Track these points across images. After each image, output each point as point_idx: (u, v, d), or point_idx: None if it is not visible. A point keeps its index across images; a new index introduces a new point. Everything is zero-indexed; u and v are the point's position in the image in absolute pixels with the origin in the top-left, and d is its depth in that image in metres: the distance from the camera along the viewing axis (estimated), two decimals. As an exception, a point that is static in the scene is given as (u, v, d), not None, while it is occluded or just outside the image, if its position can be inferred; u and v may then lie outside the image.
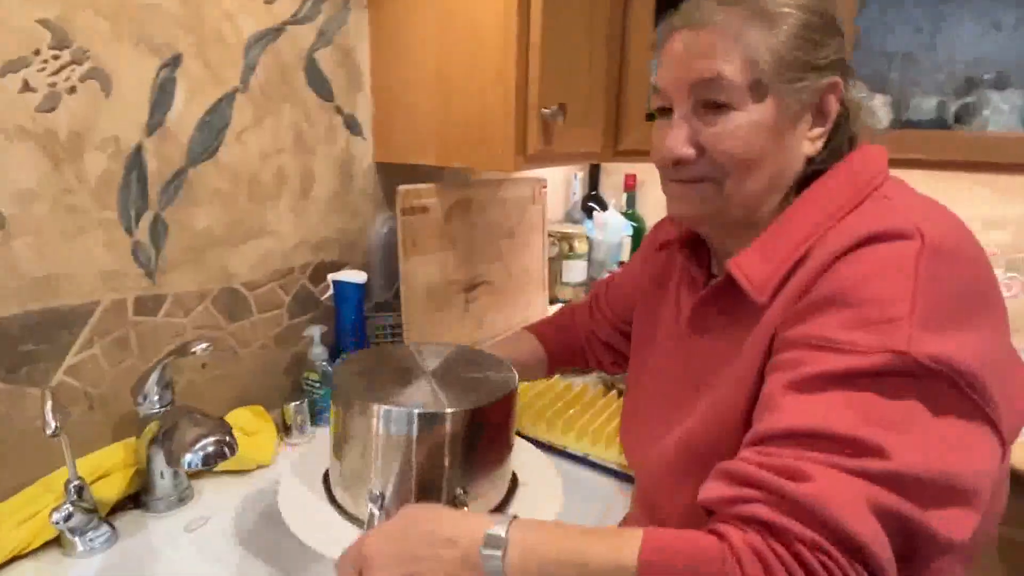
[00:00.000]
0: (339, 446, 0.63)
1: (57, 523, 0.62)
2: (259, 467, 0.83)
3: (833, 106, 0.54)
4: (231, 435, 0.58)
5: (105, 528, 0.68)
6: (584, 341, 0.86)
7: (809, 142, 0.55)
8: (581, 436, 0.88)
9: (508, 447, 0.65)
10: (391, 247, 1.03)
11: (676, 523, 0.55)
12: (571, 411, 0.94)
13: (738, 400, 0.53)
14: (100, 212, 0.71)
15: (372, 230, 1.05)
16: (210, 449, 0.57)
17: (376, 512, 0.58)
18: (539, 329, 0.88)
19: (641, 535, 0.45)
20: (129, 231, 0.74)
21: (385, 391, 0.60)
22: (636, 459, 0.68)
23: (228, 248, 0.84)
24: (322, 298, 0.96)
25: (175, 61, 0.75)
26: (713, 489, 0.47)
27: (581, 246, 1.48)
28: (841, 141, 0.56)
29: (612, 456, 0.85)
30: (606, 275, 1.47)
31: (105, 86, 0.69)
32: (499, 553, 0.47)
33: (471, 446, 0.59)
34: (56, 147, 0.66)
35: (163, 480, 0.71)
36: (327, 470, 0.67)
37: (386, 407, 0.58)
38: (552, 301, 1.46)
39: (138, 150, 0.73)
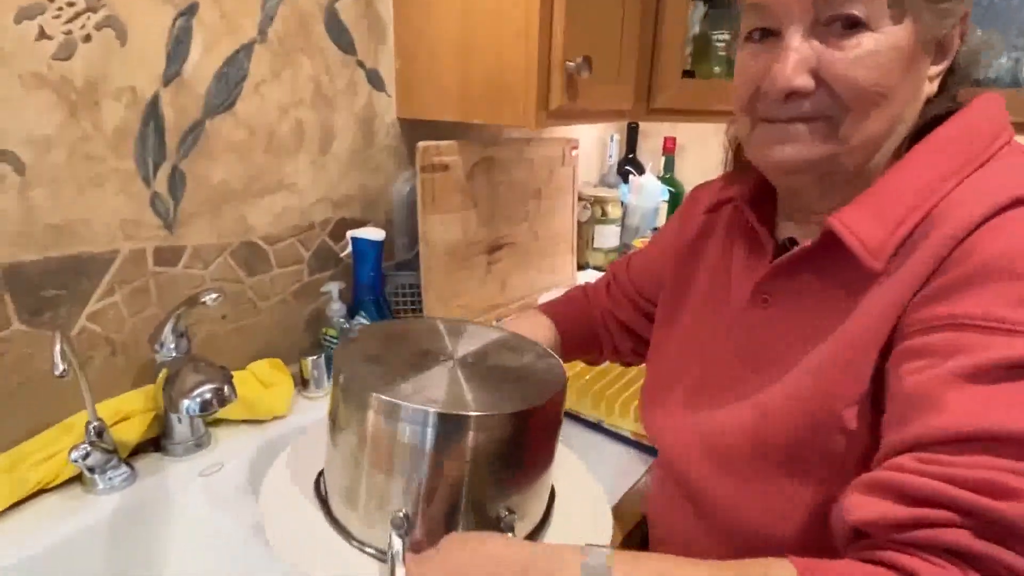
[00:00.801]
0: (343, 450, 0.50)
1: (76, 461, 0.65)
2: (275, 418, 0.84)
3: (955, 42, 0.47)
4: (230, 384, 0.59)
5: (124, 468, 0.70)
6: (600, 325, 0.79)
7: (928, 81, 0.48)
8: (597, 403, 0.86)
9: (553, 452, 0.53)
10: (414, 206, 1.02)
11: (741, 520, 0.52)
12: (586, 377, 0.92)
13: (841, 386, 0.46)
14: (118, 162, 0.71)
15: (395, 188, 1.04)
16: (207, 396, 0.57)
17: (400, 543, 0.46)
18: (551, 309, 0.79)
19: (792, 571, 0.39)
20: (147, 182, 0.74)
21: (410, 383, 0.47)
22: (668, 440, 0.61)
23: (247, 202, 0.85)
24: (341, 255, 0.96)
25: (191, 10, 0.74)
26: (872, 507, 0.40)
27: (615, 211, 1.44)
28: (955, 86, 0.49)
29: (627, 424, 0.83)
30: (639, 244, 1.43)
31: (120, 35, 0.69)
32: None
33: (519, 454, 0.48)
34: (72, 95, 0.67)
35: (180, 425, 0.73)
36: (320, 475, 0.55)
37: (423, 408, 0.44)
38: (581, 267, 1.44)
39: (154, 101, 0.73)
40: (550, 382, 0.51)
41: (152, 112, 0.73)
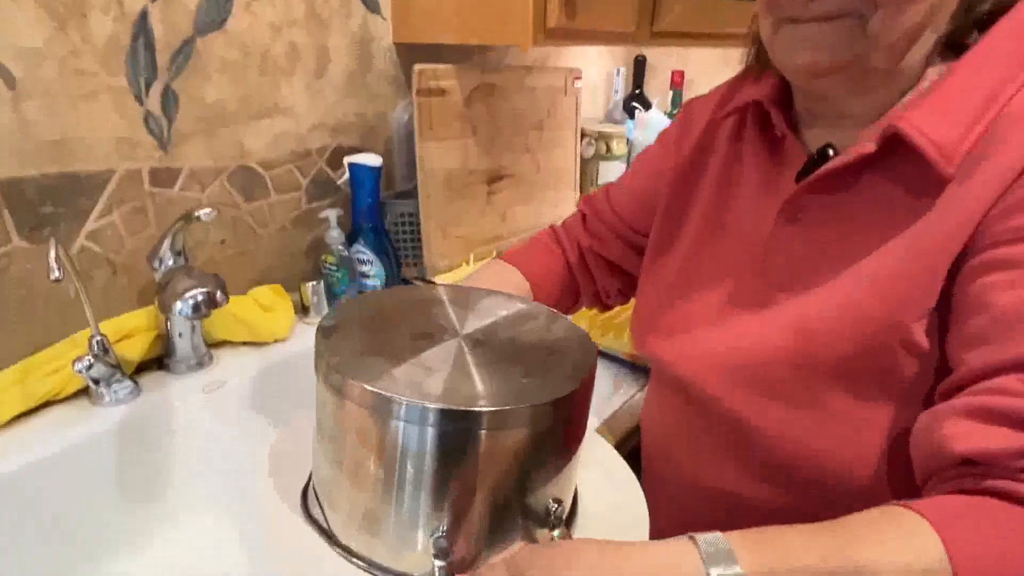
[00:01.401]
0: (345, 465, 0.40)
1: (80, 372, 0.67)
2: (277, 341, 0.86)
3: None
4: (223, 291, 0.60)
5: (129, 383, 0.72)
6: (578, 268, 0.73)
7: None
8: (591, 326, 0.86)
9: (585, 428, 0.46)
10: (413, 135, 1.01)
11: (791, 448, 0.49)
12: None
13: (908, 300, 0.43)
14: (109, 78, 0.71)
15: (393, 117, 1.03)
16: (199, 298, 0.58)
17: (441, 567, 0.38)
18: (517, 257, 0.71)
19: (930, 529, 0.36)
20: (139, 99, 0.74)
21: (426, 379, 0.38)
22: (685, 369, 0.57)
23: (242, 124, 0.84)
24: (339, 182, 0.96)
25: (177, -80, 0.72)
26: (987, 436, 0.37)
27: (620, 147, 1.41)
28: None
29: (621, 346, 0.84)
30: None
31: (105, -56, 0.68)
32: None
33: (558, 441, 0.41)
34: (60, 7, 0.66)
35: (182, 341, 0.75)
36: (307, 486, 0.46)
37: (454, 408, 0.36)
38: (587, 204, 1.42)
39: (144, 16, 0.72)
40: (582, 358, 0.43)
41: (142, 27, 0.72)
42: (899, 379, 0.46)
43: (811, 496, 0.51)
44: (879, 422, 0.47)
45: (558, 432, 0.40)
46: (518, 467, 0.38)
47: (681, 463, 0.61)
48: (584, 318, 0.87)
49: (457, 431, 0.36)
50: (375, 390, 0.36)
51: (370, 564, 0.41)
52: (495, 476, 0.38)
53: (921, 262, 0.44)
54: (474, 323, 0.45)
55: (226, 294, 0.61)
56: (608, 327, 0.85)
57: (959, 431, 0.39)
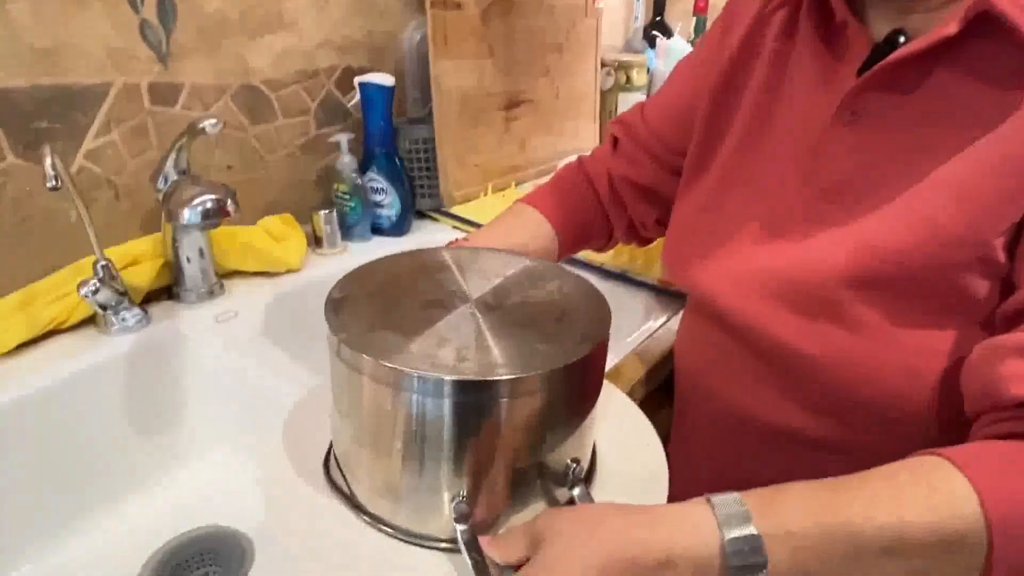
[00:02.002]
0: (363, 438, 0.40)
1: (86, 296, 0.63)
2: (289, 271, 0.82)
3: None
4: (233, 199, 0.56)
5: (138, 311, 0.69)
6: (609, 201, 0.67)
7: None
8: (619, 253, 0.82)
9: (600, 387, 0.44)
10: (426, 57, 0.94)
11: (845, 378, 0.45)
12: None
13: (992, 212, 0.40)
14: (100, -19, 0.65)
15: (404, 37, 0.96)
16: (208, 205, 0.54)
17: (463, 530, 0.38)
18: (539, 200, 0.66)
19: (967, 484, 0.33)
20: (134, 7, 0.68)
21: (433, 345, 0.37)
22: (724, 292, 0.52)
23: (244, 39, 0.78)
24: (349, 105, 0.91)
25: None
26: None
27: (640, 77, 1.34)
28: None
29: (651, 273, 0.79)
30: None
31: None
32: (761, 560, 0.33)
33: (575, 403, 0.40)
34: None
35: (191, 267, 0.71)
36: (328, 454, 0.46)
37: (462, 379, 0.35)
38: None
39: (134, -90, 0.66)
40: (596, 319, 0.41)
41: (132, -76, 0.66)
42: (968, 301, 0.42)
43: (857, 427, 0.48)
44: (941, 347, 0.43)
45: (575, 395, 0.39)
46: (536, 431, 0.38)
47: (718, 396, 0.57)
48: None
49: (475, 401, 0.36)
50: (392, 366, 0.35)
51: (395, 529, 0.40)
52: (513, 441, 0.38)
53: (1009, 169, 0.39)
54: (483, 286, 0.44)
55: (236, 204, 0.57)
56: (636, 253, 0.81)
57: (1017, 372, 0.36)
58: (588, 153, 0.72)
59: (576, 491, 0.41)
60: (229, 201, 0.56)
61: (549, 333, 0.39)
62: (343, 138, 0.85)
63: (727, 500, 0.35)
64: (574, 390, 0.38)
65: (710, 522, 0.35)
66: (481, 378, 0.35)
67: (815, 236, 0.47)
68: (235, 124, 0.81)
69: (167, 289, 0.75)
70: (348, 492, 0.42)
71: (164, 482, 0.71)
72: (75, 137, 0.68)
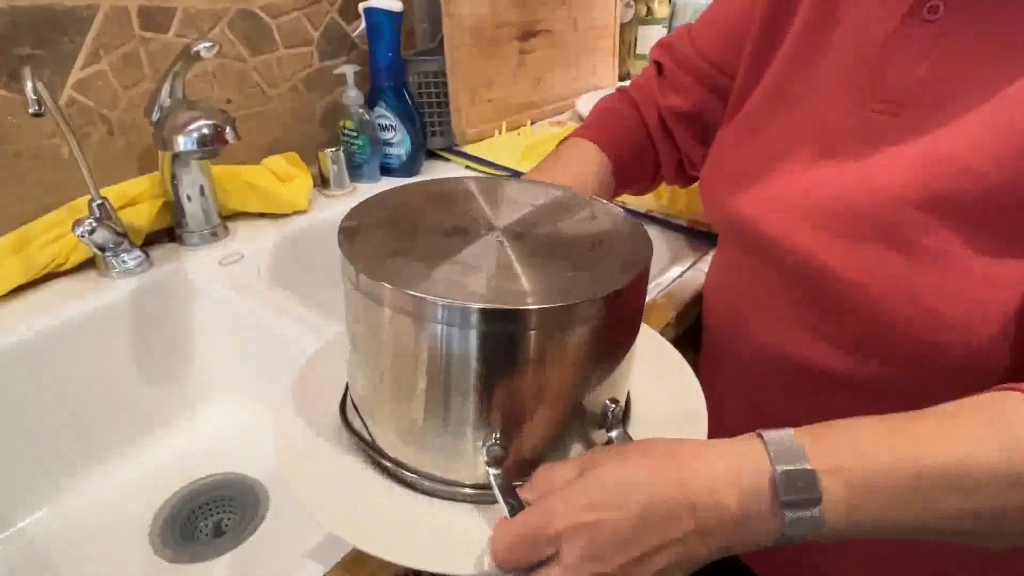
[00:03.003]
0: (379, 376, 0.37)
1: (82, 236, 0.60)
2: (295, 212, 0.78)
3: None
4: (233, 126, 0.51)
5: (138, 253, 0.66)
6: (656, 133, 0.61)
7: None
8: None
9: (640, 323, 0.40)
10: (434, -17, 0.88)
11: (903, 313, 0.41)
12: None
13: None
14: None
15: (412, -39, 0.90)
16: (205, 131, 0.50)
17: (497, 474, 0.35)
18: (593, 133, 0.60)
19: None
20: (118, -81, 0.63)
21: (460, 274, 0.33)
22: (770, 223, 0.48)
23: (240, -42, 0.72)
24: (354, 35, 0.85)
25: None
26: None
27: (662, 9, 1.26)
28: None
29: (680, 212, 0.75)
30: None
31: None
32: (815, 496, 0.31)
33: (612, 338, 0.36)
34: None
35: (192, 206, 0.67)
36: (345, 399, 0.43)
37: (495, 307, 0.31)
38: (622, 77, 1.29)
39: None
40: (635, 249, 0.37)
41: None
42: None
43: (902, 369, 0.44)
44: (1015, 279, 0.38)
45: (612, 329, 0.35)
46: (571, 368, 0.35)
47: (750, 334, 0.53)
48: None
49: (506, 333, 0.32)
50: (414, 294, 0.32)
51: (419, 475, 0.37)
52: (547, 379, 0.34)
53: None
54: (509, 215, 0.40)
55: (235, 131, 0.53)
56: (661, 191, 0.76)
57: None
58: (610, 89, 0.66)
59: (614, 433, 0.38)
60: (228, 128, 0.51)
61: (585, 262, 0.35)
62: (348, 70, 0.80)
63: (780, 436, 0.33)
64: (613, 322, 0.35)
65: (761, 456, 0.32)
66: (513, 307, 0.31)
67: (874, 155, 0.43)
68: (233, 55, 0.75)
69: (169, 231, 0.72)
70: (368, 438, 0.39)
71: (176, 428, 0.69)
72: (62, 66, 0.63)
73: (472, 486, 0.37)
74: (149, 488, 0.63)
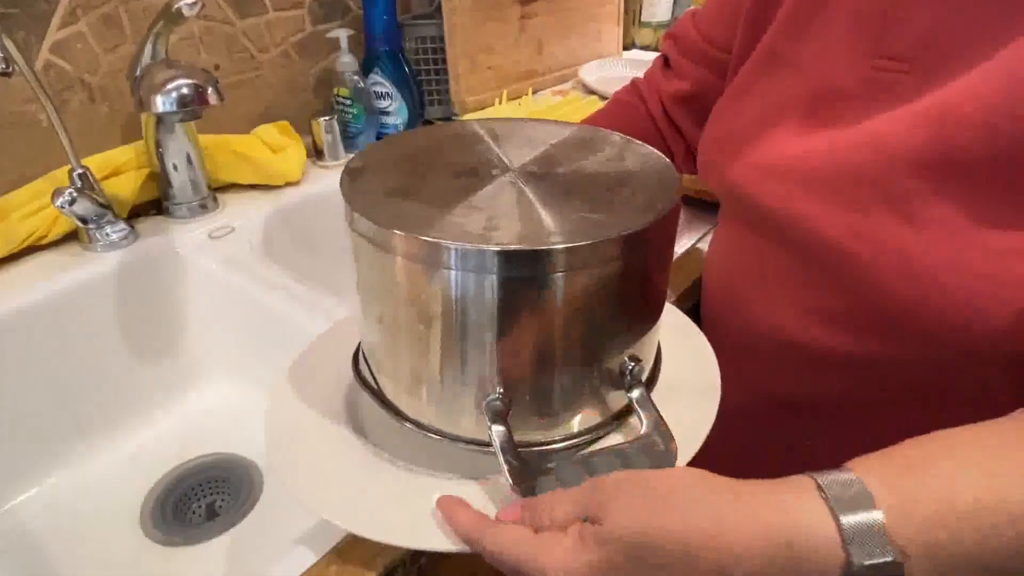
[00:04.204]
0: (388, 327, 0.35)
1: (62, 207, 0.57)
2: (288, 184, 0.75)
3: None
4: (216, 87, 0.48)
5: (123, 226, 0.63)
6: (662, 123, 0.61)
7: None
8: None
9: (668, 276, 0.38)
10: (431, -57, 0.84)
11: (867, 281, 0.39)
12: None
13: None
14: None
15: (407, -81, 0.85)
16: (185, 91, 0.47)
17: (500, 435, 0.33)
18: (598, 123, 0.59)
19: None
20: None
21: (470, 216, 0.31)
22: (756, 182, 0.46)
23: (225, -87, 0.68)
24: (348, -3, 0.81)
25: None
26: None
27: (667, -26, 1.21)
28: None
29: (685, 183, 0.72)
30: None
31: None
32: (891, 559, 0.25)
33: (636, 286, 0.34)
34: None
35: (179, 176, 0.64)
36: (358, 351, 0.40)
37: (507, 248, 0.29)
38: (627, 47, 1.25)
39: None
40: (661, 182, 0.34)
41: None
42: None
43: (912, 347, 0.41)
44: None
45: (636, 275, 0.33)
46: (591, 317, 0.32)
47: (748, 311, 0.51)
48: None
49: (523, 276, 0.30)
50: (425, 239, 0.29)
51: (426, 430, 0.36)
52: (565, 328, 0.32)
53: None
54: (525, 155, 0.37)
55: (219, 92, 0.50)
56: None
57: None
58: (614, 57, 0.64)
59: (635, 393, 0.35)
60: (211, 88, 0.48)
61: (608, 201, 0.33)
62: (342, 34, 0.76)
63: (838, 479, 0.27)
64: (638, 266, 0.32)
65: (819, 509, 0.26)
66: (531, 247, 0.29)
67: (876, 114, 0.40)
68: (220, 17, 0.72)
69: (156, 203, 0.69)
70: (376, 387, 0.37)
71: (167, 407, 0.67)
72: (37, 26, 0.60)
73: (472, 441, 0.35)
74: (139, 469, 0.61)
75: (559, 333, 0.32)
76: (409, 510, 0.33)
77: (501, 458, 0.32)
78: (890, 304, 0.40)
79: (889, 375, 0.42)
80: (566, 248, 0.29)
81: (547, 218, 0.31)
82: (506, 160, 0.36)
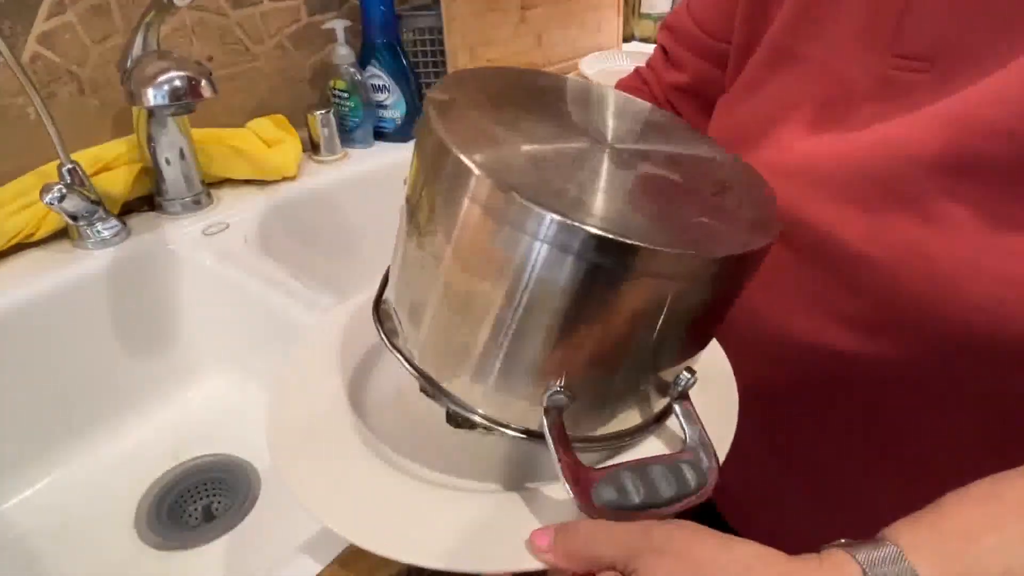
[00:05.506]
0: (443, 285, 0.31)
1: (51, 204, 0.55)
2: (283, 179, 0.74)
3: None
4: (209, 79, 0.46)
5: (115, 222, 0.61)
6: (667, 108, 0.60)
7: None
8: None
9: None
10: (429, -68, 0.82)
11: (878, 283, 0.38)
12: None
13: None
14: None
15: (405, -93, 0.83)
16: (177, 83, 0.45)
17: (559, 430, 0.31)
18: None
19: None
20: None
21: (570, 187, 0.28)
22: (778, 189, 0.41)
23: (217, -100, 0.67)
24: (344, -14, 0.79)
25: None
26: None
27: (667, -35, 1.20)
28: None
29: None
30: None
31: None
32: None
33: (721, 303, 0.32)
34: None
35: (171, 170, 0.63)
36: (380, 295, 0.38)
37: (619, 239, 0.26)
38: (627, 39, 1.23)
39: None
40: (763, 202, 0.33)
41: None
42: None
43: (926, 351, 0.40)
44: None
45: (729, 294, 0.31)
46: (669, 326, 0.30)
47: (758, 315, 0.49)
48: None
49: (611, 268, 0.27)
50: (522, 201, 0.26)
51: (457, 403, 0.32)
52: (640, 333, 0.29)
53: None
54: (622, 131, 0.34)
55: (212, 85, 0.48)
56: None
57: None
58: (613, 49, 0.64)
59: (681, 403, 0.34)
60: (204, 81, 0.47)
61: (711, 208, 0.30)
62: (339, 25, 0.75)
63: (879, 556, 0.26)
64: (729, 287, 0.30)
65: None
66: (633, 242, 0.26)
67: (892, 117, 0.39)
68: (213, 7, 0.70)
69: (148, 199, 0.67)
70: (400, 343, 0.34)
71: (162, 406, 0.65)
72: (23, 16, 0.58)
73: (515, 428, 0.32)
74: (133, 471, 0.60)
75: (639, 336, 0.30)
76: (419, 524, 0.32)
77: (553, 453, 0.30)
78: (907, 306, 0.39)
79: (902, 376, 0.41)
80: (672, 254, 0.26)
81: (649, 212, 0.28)
82: (603, 131, 0.33)
